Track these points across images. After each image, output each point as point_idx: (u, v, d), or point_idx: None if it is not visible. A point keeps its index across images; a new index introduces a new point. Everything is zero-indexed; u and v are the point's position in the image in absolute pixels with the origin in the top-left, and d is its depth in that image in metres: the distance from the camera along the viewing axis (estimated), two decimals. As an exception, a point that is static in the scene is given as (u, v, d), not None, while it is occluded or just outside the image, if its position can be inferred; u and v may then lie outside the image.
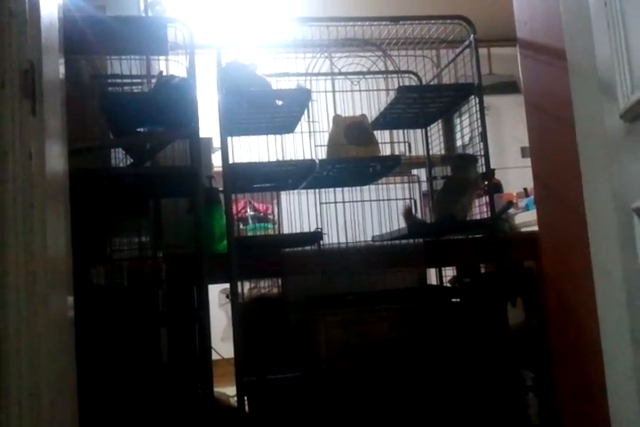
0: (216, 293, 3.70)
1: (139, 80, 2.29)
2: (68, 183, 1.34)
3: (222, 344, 2.67)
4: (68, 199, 1.33)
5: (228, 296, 2.45)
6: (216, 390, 1.97)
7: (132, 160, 2.15)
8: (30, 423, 1.00)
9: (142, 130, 2.16)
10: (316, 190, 2.52)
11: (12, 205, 0.96)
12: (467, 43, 2.28)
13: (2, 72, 0.93)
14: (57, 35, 1.23)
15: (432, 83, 2.73)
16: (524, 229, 2.67)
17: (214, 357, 2.08)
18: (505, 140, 4.64)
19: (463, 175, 2.30)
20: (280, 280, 2.57)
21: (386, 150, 2.49)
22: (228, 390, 2.54)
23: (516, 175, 3.89)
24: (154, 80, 2.10)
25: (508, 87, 4.82)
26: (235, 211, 2.35)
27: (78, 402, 1.37)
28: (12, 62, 0.96)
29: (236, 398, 2.09)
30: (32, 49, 1.03)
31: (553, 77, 1.85)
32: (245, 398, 2.02)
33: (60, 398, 1.20)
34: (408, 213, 2.42)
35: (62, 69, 1.31)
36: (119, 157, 2.25)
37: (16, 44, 0.96)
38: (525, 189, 2.99)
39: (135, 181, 1.96)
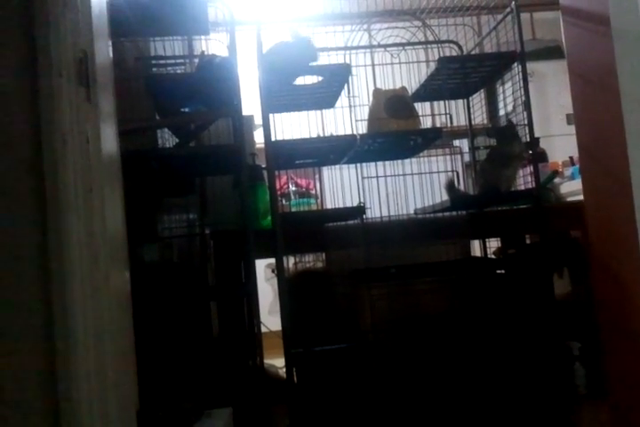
0: (262, 267, 3.76)
1: (182, 60, 2.32)
2: (120, 165, 1.38)
3: (270, 317, 2.72)
4: (121, 180, 1.38)
5: (273, 271, 2.51)
6: (265, 361, 2.03)
7: (177, 140, 2.20)
8: (98, 394, 1.07)
9: (186, 110, 2.19)
10: (358, 165, 2.53)
11: (72, 189, 1.01)
12: (508, 9, 2.23)
13: (58, 62, 0.97)
14: (106, 21, 1.26)
15: (473, 52, 2.68)
16: (570, 199, 2.63)
17: (262, 330, 2.14)
18: (550, 107, 4.52)
19: (507, 147, 2.27)
20: (324, 254, 2.60)
21: (427, 123, 2.47)
22: (276, 361, 2.61)
23: (561, 143, 3.82)
24: (196, 60, 2.13)
25: (552, 52, 4.67)
26: (277, 187, 2.38)
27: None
28: (67, 52, 0.99)
29: (284, 370, 2.16)
30: (85, 37, 1.06)
31: (597, 44, 1.80)
32: (294, 369, 2.08)
33: (122, 370, 1.26)
34: (451, 186, 2.41)
35: (111, 54, 1.35)
36: (165, 137, 2.30)
37: (70, 35, 1.00)
38: (571, 158, 2.93)
39: (182, 160, 2.00)
